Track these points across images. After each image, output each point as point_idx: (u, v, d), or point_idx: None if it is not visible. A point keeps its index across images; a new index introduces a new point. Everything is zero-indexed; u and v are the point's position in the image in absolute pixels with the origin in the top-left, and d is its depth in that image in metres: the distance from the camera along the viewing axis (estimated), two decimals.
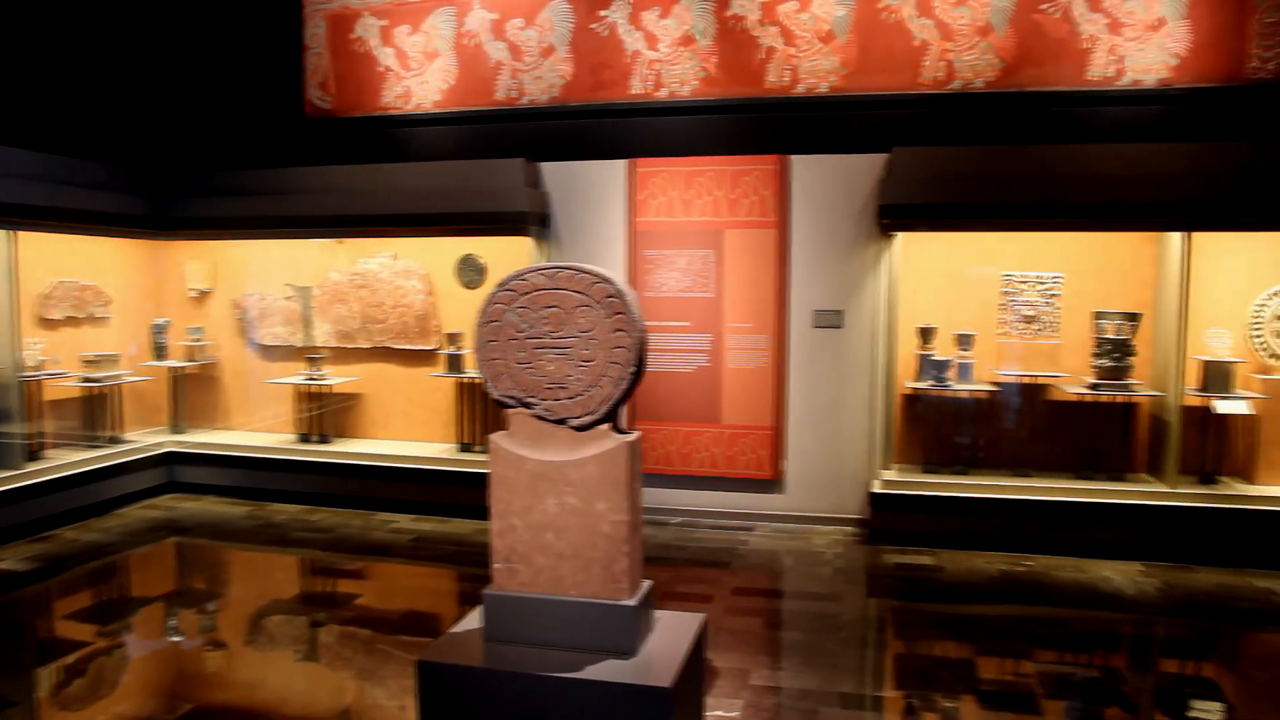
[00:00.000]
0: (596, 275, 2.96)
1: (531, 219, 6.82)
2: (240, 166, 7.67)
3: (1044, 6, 6.53)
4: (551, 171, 7.11)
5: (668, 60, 7.02)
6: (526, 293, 3.01)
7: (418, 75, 7.54)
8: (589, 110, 7.21)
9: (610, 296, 2.93)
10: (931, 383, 6.45)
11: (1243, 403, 6.17)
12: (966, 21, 6.63)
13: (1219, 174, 5.90)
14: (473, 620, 3.27)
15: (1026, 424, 6.64)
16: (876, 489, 6.33)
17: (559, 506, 3.00)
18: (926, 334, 6.50)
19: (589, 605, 3.00)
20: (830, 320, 6.65)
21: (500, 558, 3.10)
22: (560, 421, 3.00)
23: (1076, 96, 6.62)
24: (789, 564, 6.01)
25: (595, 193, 7.03)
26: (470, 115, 7.45)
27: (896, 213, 6.20)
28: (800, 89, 6.87)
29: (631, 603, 2.99)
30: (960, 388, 6.45)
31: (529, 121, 7.32)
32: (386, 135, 7.69)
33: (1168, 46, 6.52)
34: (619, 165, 6.94)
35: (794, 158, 6.69)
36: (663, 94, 7.05)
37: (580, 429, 2.98)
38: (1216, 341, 6.30)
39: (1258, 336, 6.29)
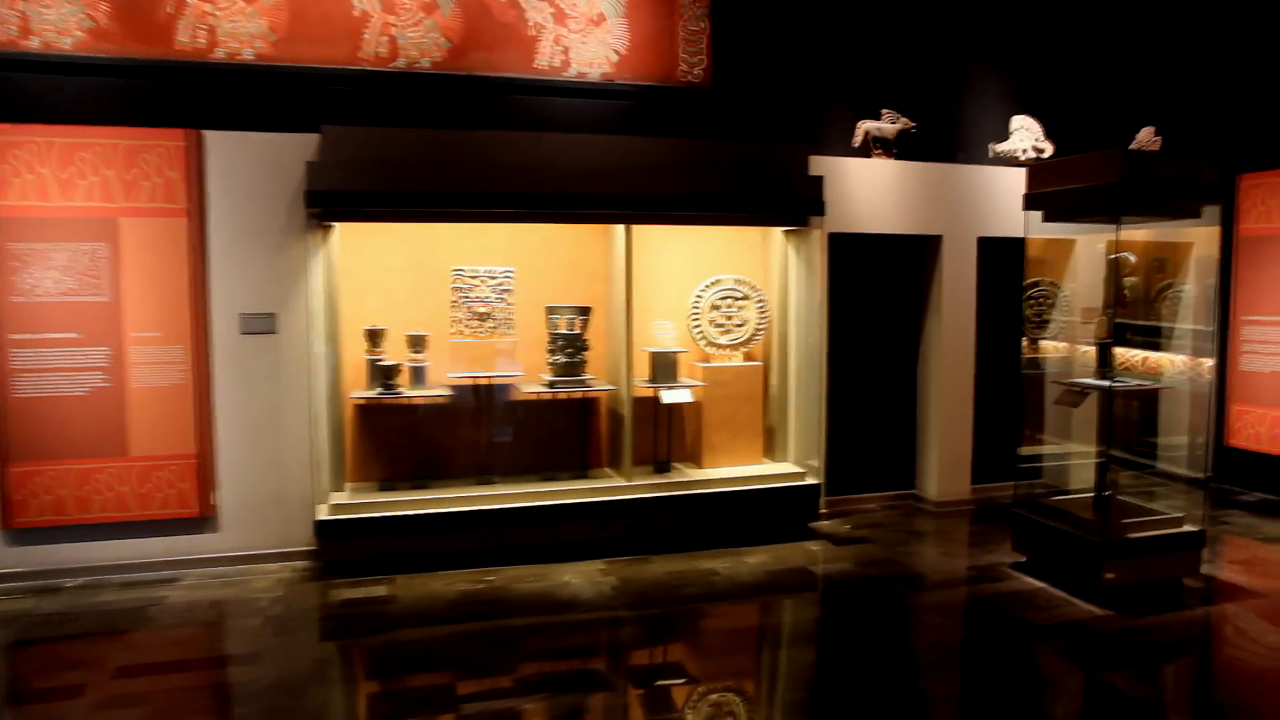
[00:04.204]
0: None
1: None
2: None
3: None
4: None
5: (39, 2, 5.55)
6: None
7: None
8: None
9: None
10: (381, 390, 5.81)
11: (686, 391, 6.39)
12: None
13: (656, 169, 6.00)
14: None
15: (486, 428, 6.30)
16: (322, 515, 5.53)
17: None
18: (375, 336, 5.85)
19: None
20: (262, 325, 5.69)
21: None
22: None
23: (525, 84, 6.44)
24: (212, 619, 4.98)
25: None
26: None
27: (327, 200, 5.43)
28: (219, 54, 5.82)
29: None
30: (414, 394, 5.90)
31: None
32: None
33: (609, 43, 6.58)
34: None
35: (211, 134, 5.61)
36: (34, 44, 5.54)
37: None
38: (662, 333, 6.47)
39: (696, 327, 6.57)
